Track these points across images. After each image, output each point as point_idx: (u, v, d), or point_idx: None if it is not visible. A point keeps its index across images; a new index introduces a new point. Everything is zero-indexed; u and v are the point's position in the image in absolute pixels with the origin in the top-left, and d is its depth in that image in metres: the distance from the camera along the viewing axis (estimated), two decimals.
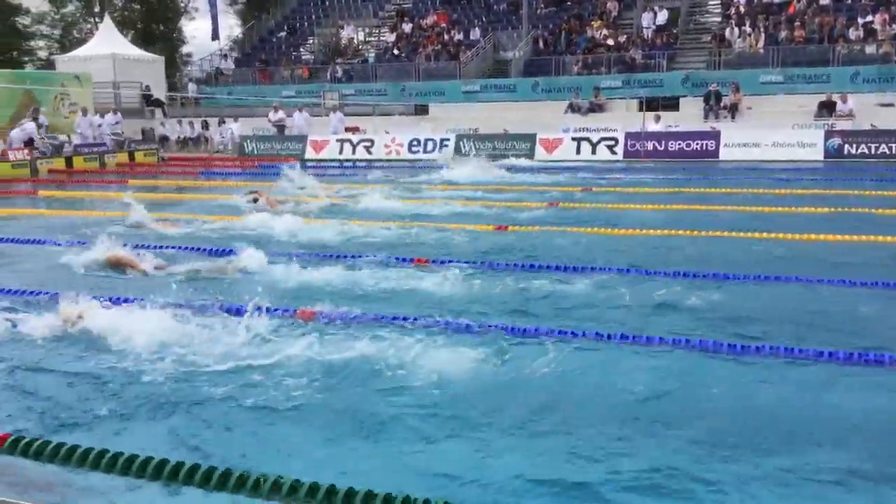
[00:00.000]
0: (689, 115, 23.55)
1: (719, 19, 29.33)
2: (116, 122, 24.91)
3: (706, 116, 23.45)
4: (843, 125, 20.87)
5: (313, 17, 36.50)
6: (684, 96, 25.10)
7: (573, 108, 25.09)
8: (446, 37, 31.31)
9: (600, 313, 6.18)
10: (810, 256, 8.11)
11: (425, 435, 4.03)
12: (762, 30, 26.06)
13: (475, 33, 31.34)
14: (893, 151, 18.76)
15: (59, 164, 20.62)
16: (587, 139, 21.49)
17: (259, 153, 24.23)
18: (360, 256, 8.20)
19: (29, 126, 20.90)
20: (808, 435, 4.00)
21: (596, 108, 25.13)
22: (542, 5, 32.01)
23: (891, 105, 21.93)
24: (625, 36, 28.76)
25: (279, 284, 7.12)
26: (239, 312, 6.03)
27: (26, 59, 49.82)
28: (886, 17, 24.79)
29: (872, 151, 18.97)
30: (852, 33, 24.85)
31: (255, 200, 12.25)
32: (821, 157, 19.23)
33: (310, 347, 5.16)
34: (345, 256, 8.29)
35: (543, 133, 21.91)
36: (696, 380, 4.79)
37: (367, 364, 4.95)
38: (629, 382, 4.71)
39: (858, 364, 4.96)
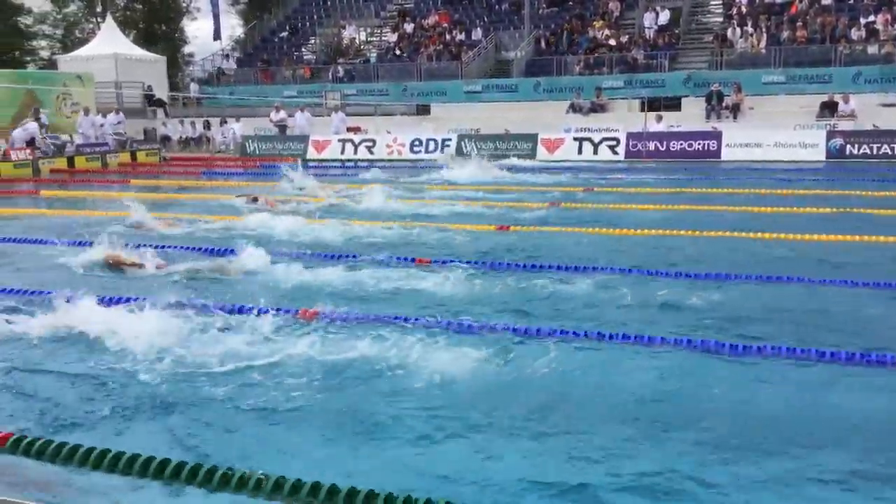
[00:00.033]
0: (691, 116, 23.53)
1: (721, 19, 29.30)
2: (119, 122, 24.93)
3: (708, 117, 23.44)
4: (845, 125, 20.84)
5: (315, 17, 36.51)
6: (686, 96, 25.08)
7: (575, 109, 25.08)
8: (448, 37, 31.31)
9: (602, 313, 6.18)
10: (812, 257, 8.10)
11: (427, 435, 4.03)
12: (764, 30, 26.03)
13: (477, 33, 31.34)
14: (895, 152, 18.74)
15: (61, 163, 20.64)
16: (589, 139, 21.50)
17: (261, 153, 24.24)
18: (360, 256, 8.20)
19: (31, 126, 20.93)
20: (810, 436, 4.00)
21: (598, 109, 25.12)
22: (544, 5, 32.00)
23: (893, 105, 21.89)
24: (627, 36, 28.74)
25: (280, 284, 7.13)
26: (240, 312, 6.05)
27: (28, 58, 49.87)
28: (889, 17, 24.75)
29: (874, 152, 18.96)
30: (854, 33, 24.82)
31: (255, 200, 12.28)
32: (823, 157, 19.22)
33: (311, 347, 5.17)
34: (346, 256, 8.29)
35: (545, 133, 21.92)
36: (697, 380, 4.78)
37: (369, 364, 4.95)
38: (630, 382, 4.71)
39: (860, 364, 4.95)
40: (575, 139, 21.62)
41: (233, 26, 51.63)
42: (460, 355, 4.99)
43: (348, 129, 25.06)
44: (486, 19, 32.49)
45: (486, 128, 24.09)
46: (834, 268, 7.47)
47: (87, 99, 26.34)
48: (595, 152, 21.00)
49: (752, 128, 21.43)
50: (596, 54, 27.84)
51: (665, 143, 20.83)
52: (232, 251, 8.10)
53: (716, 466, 3.66)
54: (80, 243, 8.88)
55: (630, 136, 21.18)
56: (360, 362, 4.98)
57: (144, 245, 8.52)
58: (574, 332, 5.56)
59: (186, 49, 55.05)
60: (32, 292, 6.84)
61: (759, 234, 9.15)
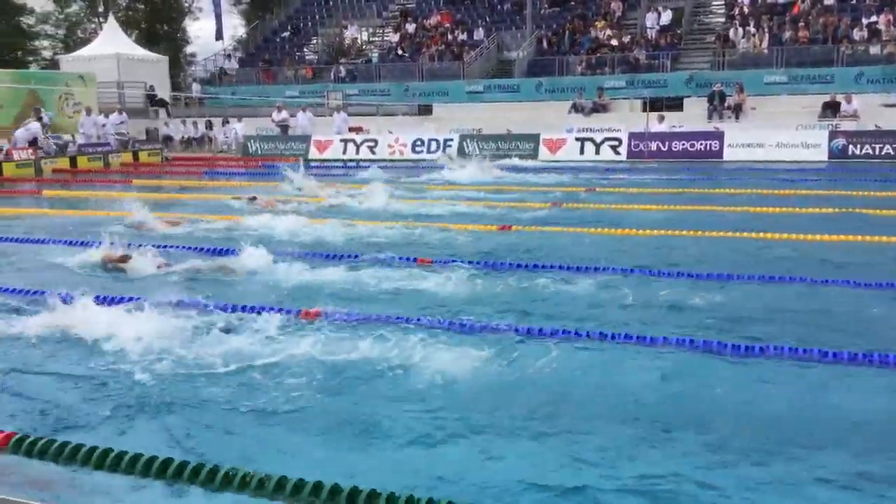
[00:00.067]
0: (693, 116, 23.52)
1: (723, 19, 29.29)
2: (121, 122, 24.96)
3: (710, 117, 23.43)
4: (847, 126, 20.82)
5: (317, 17, 36.52)
6: (688, 96, 25.07)
7: (577, 109, 25.08)
8: (450, 37, 31.31)
9: (603, 314, 6.18)
10: (814, 257, 8.09)
11: (428, 436, 4.02)
12: (766, 30, 26.01)
13: (479, 33, 31.34)
14: None
15: (63, 163, 20.66)
16: (591, 139, 21.50)
17: (263, 153, 24.26)
18: (361, 256, 8.20)
19: (34, 126, 20.95)
20: (813, 437, 3.99)
21: (599, 109, 25.12)
22: (546, 5, 31.99)
23: (895, 105, 21.87)
24: (629, 36, 28.73)
25: (282, 284, 7.13)
26: (242, 312, 6.06)
27: (31, 58, 49.97)
28: (891, 17, 24.72)
29: (876, 152, 18.94)
30: (857, 34, 24.80)
31: (254, 199, 12.31)
32: (825, 157, 19.21)
33: (313, 347, 5.17)
34: (347, 256, 8.29)
35: (547, 133, 21.92)
36: (699, 381, 4.78)
37: (370, 364, 4.95)
38: (632, 383, 4.71)
39: (863, 365, 4.95)
40: (577, 139, 21.62)
41: (235, 26, 51.73)
42: (462, 355, 4.99)
43: (350, 130, 25.07)
44: (487, 19, 32.49)
45: (487, 128, 24.09)
46: (836, 268, 7.47)
47: (89, 99, 26.39)
48: (597, 152, 21.00)
49: (754, 128, 21.41)
50: (598, 54, 27.83)
51: (667, 143, 20.82)
52: (233, 251, 8.11)
53: (718, 467, 3.65)
54: (81, 243, 8.89)
55: (632, 136, 21.17)
56: (362, 362, 4.98)
57: (145, 245, 8.53)
58: (576, 333, 5.56)
59: (188, 49, 55.13)
60: (34, 292, 6.84)
61: (761, 235, 9.15)
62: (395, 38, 32.72)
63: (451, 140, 22.44)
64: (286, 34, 35.84)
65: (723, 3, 30.07)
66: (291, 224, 10.10)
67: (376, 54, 32.65)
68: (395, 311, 6.10)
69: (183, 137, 28.40)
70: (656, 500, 3.40)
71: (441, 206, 12.30)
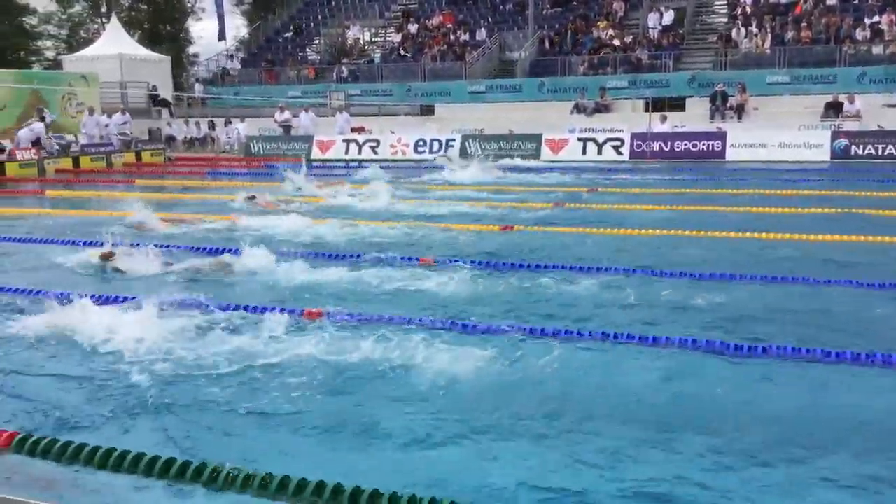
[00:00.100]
0: (696, 116, 23.50)
1: (725, 20, 29.26)
2: (125, 122, 24.99)
3: (712, 117, 23.40)
4: (849, 126, 20.79)
5: (319, 17, 36.54)
6: (690, 97, 25.04)
7: (579, 109, 25.06)
8: (452, 37, 31.30)
9: (606, 314, 6.18)
10: (816, 257, 8.08)
11: (430, 437, 4.02)
12: (769, 30, 25.98)
13: (481, 34, 31.33)
14: None
15: (66, 163, 20.70)
16: (593, 139, 21.48)
17: (265, 153, 24.27)
18: (363, 256, 8.20)
19: (37, 126, 20.98)
20: (817, 437, 3.98)
21: (602, 109, 25.10)
22: (548, 6, 31.96)
23: None
24: (631, 36, 28.70)
25: (284, 284, 7.14)
26: (245, 312, 6.06)
27: (33, 59, 50.05)
28: (894, 17, 24.67)
29: (879, 152, 18.91)
30: (859, 34, 24.77)
31: (253, 198, 12.32)
32: (827, 157, 19.18)
33: (315, 347, 5.17)
34: (349, 256, 8.30)
35: (549, 133, 21.91)
36: (702, 381, 4.78)
37: (372, 365, 4.95)
38: (634, 383, 4.71)
39: (866, 365, 4.94)
40: (579, 139, 21.61)
41: (237, 26, 51.81)
42: (464, 355, 4.99)
43: (352, 130, 25.08)
44: (490, 20, 32.49)
45: (490, 128, 24.08)
46: (838, 268, 7.46)
47: (92, 99, 26.42)
48: (599, 152, 20.99)
49: (756, 128, 21.38)
50: (600, 54, 27.81)
51: (669, 143, 20.81)
52: (234, 250, 8.10)
53: (720, 469, 3.65)
54: (84, 243, 8.90)
55: (634, 136, 21.15)
56: (364, 363, 4.98)
57: (147, 244, 8.53)
58: (578, 333, 5.56)
59: (191, 49, 55.24)
60: (37, 292, 6.85)
61: (764, 235, 9.14)
62: (398, 38, 32.72)
63: (454, 140, 22.44)
64: (289, 34, 35.85)
65: (725, 3, 30.04)
66: (293, 224, 10.11)
67: (379, 54, 32.65)
68: (396, 312, 6.11)
69: (186, 137, 28.42)
70: (658, 501, 3.40)
71: (443, 205, 12.30)
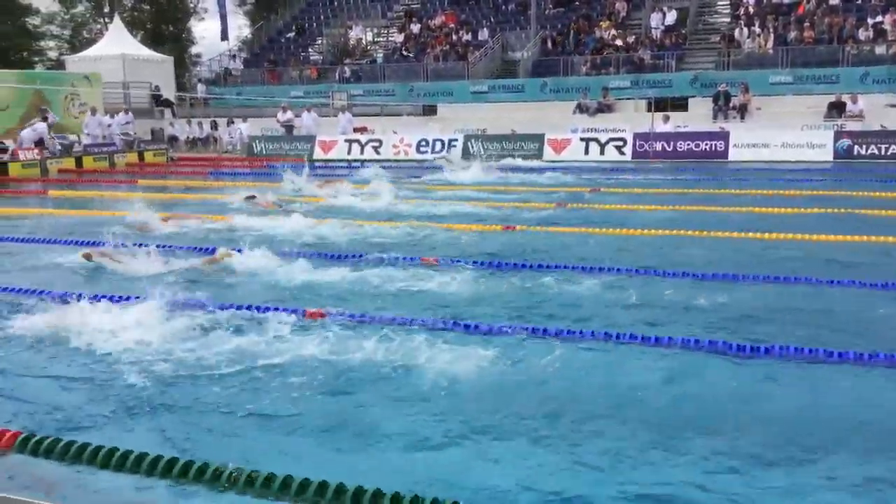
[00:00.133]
0: (698, 116, 23.48)
1: (728, 20, 29.23)
2: (128, 122, 25.03)
3: (715, 117, 23.38)
4: (852, 126, 20.75)
5: (322, 17, 36.55)
6: (693, 97, 25.03)
7: (581, 109, 25.05)
8: (454, 37, 31.30)
9: (608, 314, 6.17)
10: (819, 257, 8.07)
11: (431, 437, 4.02)
12: (771, 30, 25.96)
13: (483, 34, 31.33)
14: None
15: (69, 163, 20.73)
16: (595, 140, 21.47)
17: (268, 153, 24.28)
18: (365, 256, 8.20)
19: (40, 126, 21.00)
20: (820, 438, 3.97)
21: (604, 109, 25.08)
22: (551, 6, 31.95)
23: None
24: (633, 36, 28.69)
25: (285, 284, 7.13)
26: (247, 312, 6.06)
27: (36, 59, 50.15)
28: None
29: (882, 152, 18.88)
30: (862, 34, 24.73)
31: (252, 198, 12.33)
32: (830, 157, 19.15)
33: (317, 348, 5.17)
34: (351, 256, 8.30)
35: (552, 133, 21.90)
36: (704, 381, 4.77)
37: (374, 365, 4.95)
38: (637, 383, 4.70)
39: (868, 365, 4.93)
40: (581, 139, 21.59)
41: (240, 27, 51.91)
42: (466, 355, 4.99)
43: (355, 130, 25.08)
44: (492, 20, 32.48)
45: (492, 128, 24.07)
46: (842, 268, 7.45)
47: (94, 99, 26.44)
48: (602, 153, 20.98)
49: (759, 128, 21.35)
50: (603, 54, 27.80)
51: (672, 143, 20.79)
52: (239, 250, 8.09)
53: (723, 470, 3.64)
54: (86, 243, 8.90)
55: (637, 136, 21.13)
56: (366, 363, 4.98)
57: (148, 245, 8.53)
58: (580, 333, 5.56)
59: (194, 49, 55.34)
60: (39, 292, 6.86)
61: (767, 235, 9.13)
62: (400, 38, 32.74)
63: (456, 140, 22.43)
64: (291, 35, 35.87)
65: (728, 3, 30.02)
66: (294, 224, 10.11)
67: (381, 54, 32.66)
68: (398, 312, 6.11)
69: (188, 138, 28.46)
70: (659, 502, 3.39)
71: (445, 205, 12.30)
